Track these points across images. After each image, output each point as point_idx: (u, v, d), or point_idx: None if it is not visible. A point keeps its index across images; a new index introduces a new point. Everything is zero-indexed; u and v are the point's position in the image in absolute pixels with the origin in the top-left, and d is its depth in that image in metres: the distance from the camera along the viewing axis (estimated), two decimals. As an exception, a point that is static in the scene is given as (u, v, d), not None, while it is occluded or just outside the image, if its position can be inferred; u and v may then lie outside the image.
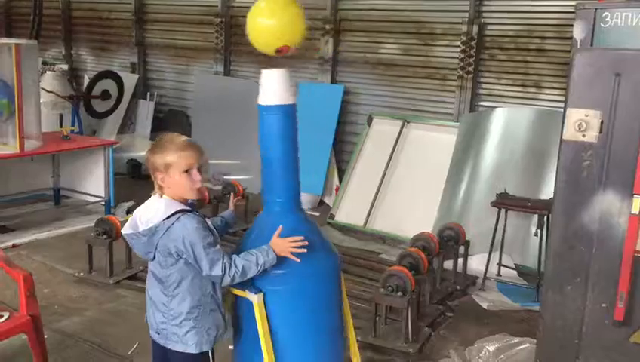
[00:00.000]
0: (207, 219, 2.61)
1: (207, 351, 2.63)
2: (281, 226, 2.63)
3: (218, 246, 2.54)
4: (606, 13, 2.50)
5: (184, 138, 2.56)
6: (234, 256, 2.56)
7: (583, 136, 2.35)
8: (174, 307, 2.56)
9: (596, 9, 2.55)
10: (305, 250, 2.59)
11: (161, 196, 2.54)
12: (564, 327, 2.48)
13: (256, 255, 2.56)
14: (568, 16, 5.98)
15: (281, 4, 2.62)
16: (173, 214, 2.47)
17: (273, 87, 2.67)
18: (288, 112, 2.71)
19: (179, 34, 9.09)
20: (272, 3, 2.62)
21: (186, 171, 2.49)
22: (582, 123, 2.33)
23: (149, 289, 2.68)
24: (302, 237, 2.61)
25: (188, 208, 2.53)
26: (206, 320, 2.59)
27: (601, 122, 2.32)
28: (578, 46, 2.60)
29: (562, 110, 5.62)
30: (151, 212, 2.52)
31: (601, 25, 2.52)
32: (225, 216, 3.01)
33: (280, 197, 2.77)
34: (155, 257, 2.55)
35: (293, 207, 2.81)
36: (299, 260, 2.58)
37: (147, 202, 2.61)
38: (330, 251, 2.90)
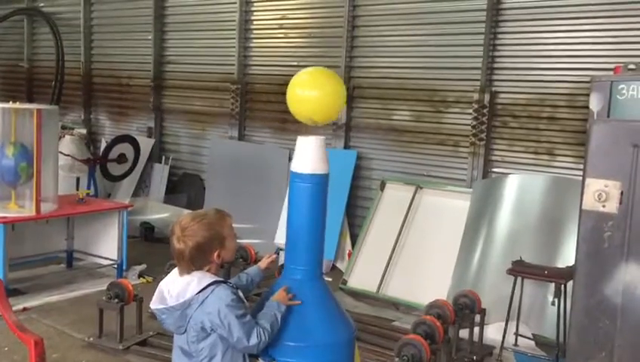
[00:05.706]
0: (238, 290, 2.60)
1: None
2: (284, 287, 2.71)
3: (249, 316, 2.52)
4: (622, 86, 2.53)
5: (209, 211, 2.60)
6: (257, 319, 2.56)
7: (603, 206, 2.33)
8: None
9: (612, 82, 2.58)
10: (299, 302, 2.67)
11: (190, 273, 2.52)
12: (590, 403, 2.41)
13: (272, 311, 2.58)
14: (579, 85, 6.08)
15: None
16: (206, 286, 2.46)
17: (307, 155, 2.64)
18: (320, 182, 2.67)
19: (196, 99, 9.28)
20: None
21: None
22: (602, 193, 2.32)
23: None
24: (285, 287, 2.70)
25: (221, 279, 2.54)
26: None
27: (621, 193, 2.31)
28: (595, 117, 2.62)
29: (576, 177, 5.70)
30: (181, 285, 2.50)
31: (618, 97, 2.54)
32: (251, 273, 2.98)
33: (303, 265, 2.75)
34: (185, 331, 2.52)
35: (314, 276, 2.78)
36: (300, 302, 2.68)
37: (174, 274, 2.59)
38: (347, 322, 2.86)
